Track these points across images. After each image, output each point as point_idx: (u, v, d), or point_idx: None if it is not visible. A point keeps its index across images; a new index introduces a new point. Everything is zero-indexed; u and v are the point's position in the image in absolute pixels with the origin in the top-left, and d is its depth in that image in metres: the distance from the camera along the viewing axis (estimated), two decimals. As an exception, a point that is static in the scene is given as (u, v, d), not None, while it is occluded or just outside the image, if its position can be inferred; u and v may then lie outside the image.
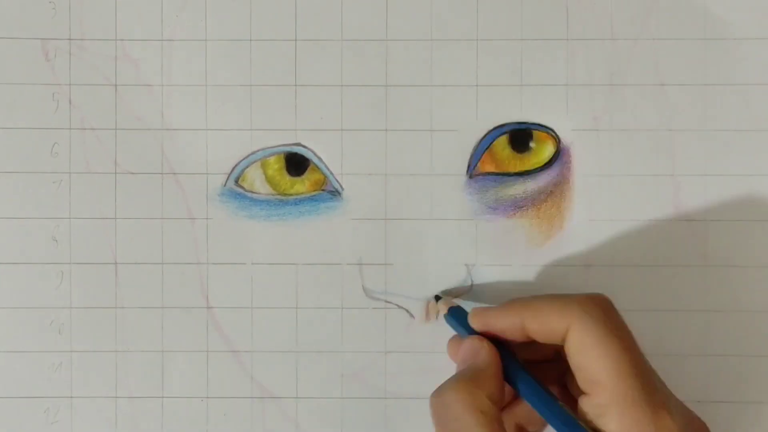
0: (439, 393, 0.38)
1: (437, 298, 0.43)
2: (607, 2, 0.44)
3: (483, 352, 0.39)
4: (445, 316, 0.42)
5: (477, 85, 0.44)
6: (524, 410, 0.40)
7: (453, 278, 0.44)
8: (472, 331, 0.40)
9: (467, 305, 0.42)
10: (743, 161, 0.44)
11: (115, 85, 0.44)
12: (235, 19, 0.44)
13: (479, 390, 0.37)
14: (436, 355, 0.44)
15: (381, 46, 0.44)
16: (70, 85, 0.44)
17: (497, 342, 0.39)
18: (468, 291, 0.44)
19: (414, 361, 0.44)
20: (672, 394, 0.38)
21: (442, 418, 0.37)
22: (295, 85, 0.44)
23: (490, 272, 0.44)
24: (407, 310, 0.44)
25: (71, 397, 0.44)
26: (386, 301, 0.44)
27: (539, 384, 0.38)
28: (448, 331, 0.43)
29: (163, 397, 0.44)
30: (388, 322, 0.44)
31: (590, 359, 0.36)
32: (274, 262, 0.44)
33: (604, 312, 0.37)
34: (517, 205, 0.44)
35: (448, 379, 0.38)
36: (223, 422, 0.44)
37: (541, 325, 0.38)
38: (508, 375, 0.39)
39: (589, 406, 0.36)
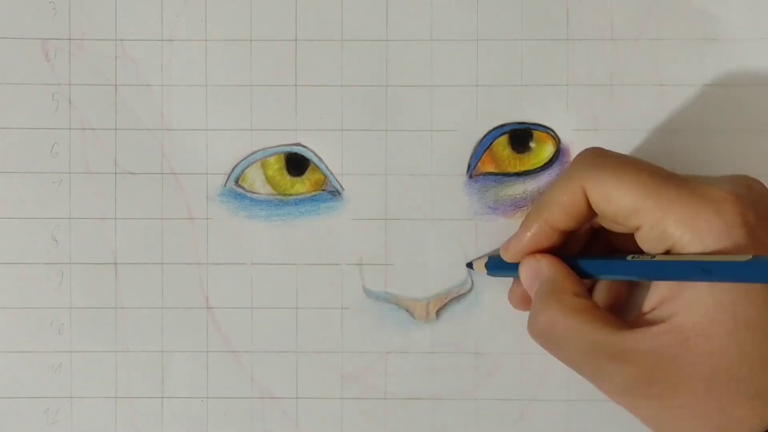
0: (533, 323, 0.38)
1: (469, 265, 0.43)
2: (608, 2, 0.44)
3: (541, 264, 0.39)
4: (488, 274, 0.42)
5: (477, 85, 0.44)
6: (605, 286, 0.41)
7: (453, 278, 0.44)
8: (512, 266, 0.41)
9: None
10: (743, 161, 0.44)
11: (115, 85, 0.44)
12: (235, 19, 0.44)
13: (563, 295, 0.38)
14: (436, 355, 0.44)
15: (381, 46, 0.44)
16: (70, 85, 0.44)
17: None
18: (469, 292, 0.44)
19: (414, 361, 0.44)
20: (698, 176, 0.38)
21: (551, 341, 0.38)
22: (295, 85, 0.44)
23: (490, 272, 0.44)
24: (407, 310, 0.44)
25: (71, 397, 0.44)
26: (386, 301, 0.44)
27: (599, 257, 0.39)
28: (449, 332, 0.43)
29: (163, 398, 0.44)
30: (388, 322, 0.44)
31: (619, 200, 0.36)
32: (274, 262, 0.44)
33: (600, 156, 0.38)
34: (517, 205, 0.44)
35: (531, 309, 0.39)
36: (223, 422, 0.44)
37: (565, 213, 0.38)
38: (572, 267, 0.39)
39: (648, 234, 0.36)
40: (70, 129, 0.44)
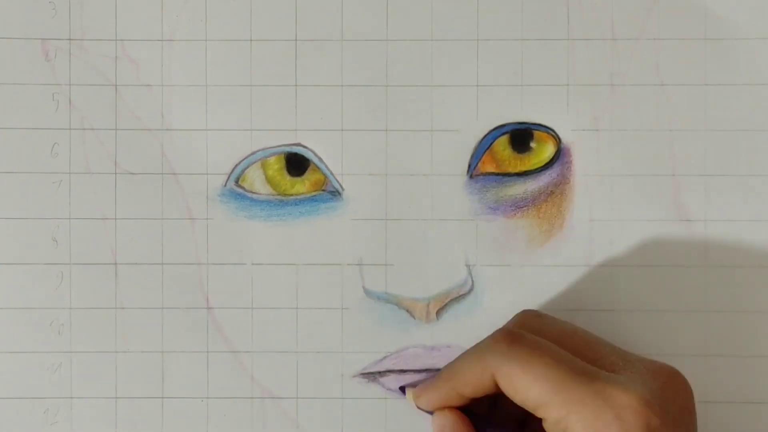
0: None
1: (402, 390, 0.43)
2: (608, 2, 0.44)
3: (448, 425, 0.40)
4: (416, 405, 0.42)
5: (477, 85, 0.44)
6: None
7: (453, 278, 0.44)
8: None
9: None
10: (743, 161, 0.44)
11: (115, 85, 0.44)
12: (235, 19, 0.44)
13: None
14: (436, 356, 0.44)
15: (381, 46, 0.44)
16: (70, 85, 0.44)
17: None
18: (469, 292, 0.44)
19: (414, 361, 0.44)
20: (624, 359, 0.38)
21: None
22: (295, 85, 0.44)
23: (490, 272, 0.44)
24: (407, 311, 0.44)
25: (71, 397, 0.44)
26: (386, 302, 0.44)
27: None
28: (449, 332, 0.44)
29: (163, 398, 0.44)
30: (388, 322, 0.44)
31: (525, 392, 0.37)
32: (274, 262, 0.44)
33: (514, 344, 0.38)
34: (518, 206, 0.44)
35: None
36: (223, 422, 0.44)
37: (473, 387, 0.39)
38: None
39: (550, 427, 0.37)
40: (70, 129, 0.44)
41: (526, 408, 0.37)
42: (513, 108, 0.44)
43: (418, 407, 0.41)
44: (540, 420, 0.37)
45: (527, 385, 0.37)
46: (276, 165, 0.44)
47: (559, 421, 0.36)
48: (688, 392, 0.38)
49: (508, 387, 0.37)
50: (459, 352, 0.41)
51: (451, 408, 0.40)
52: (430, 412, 0.41)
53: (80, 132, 0.44)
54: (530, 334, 0.38)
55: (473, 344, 0.39)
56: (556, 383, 0.36)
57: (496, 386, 0.38)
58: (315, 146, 0.44)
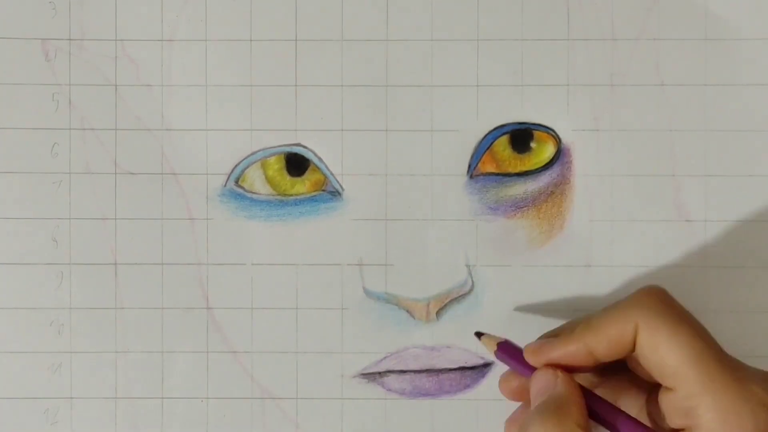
0: (524, 427, 0.36)
1: (478, 335, 0.42)
2: (608, 2, 0.44)
3: (560, 383, 0.37)
4: (495, 353, 0.41)
5: (477, 85, 0.44)
6: None
7: (453, 278, 0.44)
8: (529, 366, 0.39)
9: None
10: (743, 161, 0.44)
11: (115, 85, 0.44)
12: (235, 19, 0.44)
13: (566, 419, 0.36)
14: (435, 356, 0.44)
15: (381, 46, 0.44)
16: (70, 85, 0.44)
17: None
18: (469, 292, 0.44)
19: (414, 361, 0.44)
20: (748, 366, 0.37)
21: None
22: (295, 85, 0.44)
23: (490, 272, 0.44)
24: (407, 311, 0.44)
25: (71, 397, 0.44)
26: (386, 302, 0.44)
27: (619, 411, 0.38)
28: (449, 332, 0.43)
29: (163, 398, 0.44)
30: (389, 322, 0.44)
31: (667, 354, 0.35)
32: (274, 262, 0.44)
33: (664, 303, 0.37)
34: (518, 206, 0.44)
35: (531, 413, 0.37)
36: (223, 423, 0.44)
37: (609, 343, 0.37)
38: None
39: (675, 401, 0.36)
40: (70, 129, 0.44)
41: (655, 374, 0.36)
42: (513, 108, 0.44)
43: (527, 361, 0.39)
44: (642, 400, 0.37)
45: (671, 351, 0.35)
46: (276, 165, 0.44)
47: (690, 398, 0.35)
48: None
49: (649, 347, 0.36)
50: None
51: (559, 368, 0.38)
52: (524, 369, 0.39)
53: (80, 132, 0.44)
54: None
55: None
56: (701, 358, 0.35)
57: (633, 347, 0.36)
58: (315, 146, 0.44)
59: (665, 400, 0.37)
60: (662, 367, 0.36)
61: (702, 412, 0.35)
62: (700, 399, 0.35)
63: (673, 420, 0.36)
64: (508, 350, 0.40)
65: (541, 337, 0.41)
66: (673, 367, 0.35)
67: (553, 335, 0.40)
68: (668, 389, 0.36)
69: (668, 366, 0.36)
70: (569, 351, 0.38)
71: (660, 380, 0.36)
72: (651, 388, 0.39)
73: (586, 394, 0.38)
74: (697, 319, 0.37)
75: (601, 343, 0.37)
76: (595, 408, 0.37)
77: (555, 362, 0.38)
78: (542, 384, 0.38)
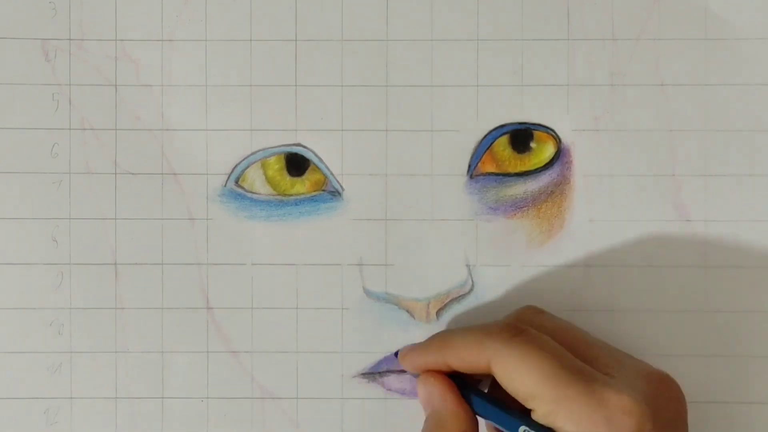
0: None
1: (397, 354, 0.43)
2: (608, 2, 0.44)
3: (433, 393, 0.39)
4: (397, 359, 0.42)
5: (477, 85, 0.44)
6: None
7: (453, 278, 0.44)
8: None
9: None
10: (743, 161, 0.44)
11: (115, 85, 0.44)
12: (235, 19, 0.44)
13: None
14: (436, 356, 0.44)
15: (381, 46, 0.44)
16: (70, 85, 0.44)
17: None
18: (469, 292, 0.44)
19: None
20: (618, 362, 0.38)
21: None
22: (295, 85, 0.44)
23: (490, 272, 0.44)
24: (407, 311, 0.44)
25: (71, 398, 0.44)
26: (386, 302, 0.44)
27: (493, 402, 0.39)
28: (449, 332, 0.44)
29: (163, 398, 0.44)
30: (389, 322, 0.44)
31: (518, 381, 0.37)
32: (274, 262, 0.44)
33: (514, 336, 0.38)
34: (518, 206, 0.44)
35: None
36: (224, 423, 0.44)
37: (463, 363, 0.39)
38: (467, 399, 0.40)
39: (539, 418, 0.37)
40: (70, 129, 0.44)
41: (516, 398, 0.37)
42: (513, 108, 0.44)
43: (403, 368, 0.41)
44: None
45: (522, 377, 0.37)
46: (276, 165, 0.44)
47: (548, 415, 0.36)
48: (681, 399, 0.38)
49: (503, 376, 0.37)
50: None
51: (436, 372, 0.40)
52: (416, 375, 0.41)
53: (80, 132, 0.44)
54: (532, 329, 0.38)
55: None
56: (551, 377, 0.36)
57: (488, 371, 0.38)
58: (315, 146, 0.44)
59: (532, 414, 0.37)
60: (517, 392, 0.37)
61: (561, 425, 0.36)
62: (556, 415, 0.36)
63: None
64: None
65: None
66: (527, 392, 0.37)
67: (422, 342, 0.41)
68: (532, 411, 0.37)
69: (523, 392, 0.37)
70: (429, 360, 0.40)
71: (520, 401, 0.37)
72: None
73: (468, 389, 0.40)
74: (551, 340, 0.38)
75: (458, 362, 0.39)
76: (480, 410, 0.39)
77: (421, 368, 0.40)
78: (422, 396, 0.40)
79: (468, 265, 0.44)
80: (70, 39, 0.44)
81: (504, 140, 0.44)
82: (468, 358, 0.38)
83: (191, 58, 0.44)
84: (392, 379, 0.44)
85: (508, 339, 0.38)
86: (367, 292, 0.44)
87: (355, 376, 0.44)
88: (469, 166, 0.44)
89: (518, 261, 0.44)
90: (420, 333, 0.44)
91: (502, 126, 0.44)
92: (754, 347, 0.44)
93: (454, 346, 0.39)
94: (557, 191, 0.44)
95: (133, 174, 0.44)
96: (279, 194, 0.44)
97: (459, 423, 0.39)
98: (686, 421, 0.38)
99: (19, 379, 0.44)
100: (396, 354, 0.43)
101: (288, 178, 0.44)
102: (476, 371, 0.39)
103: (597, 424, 0.35)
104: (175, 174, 0.44)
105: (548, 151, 0.44)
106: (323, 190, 0.44)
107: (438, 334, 0.41)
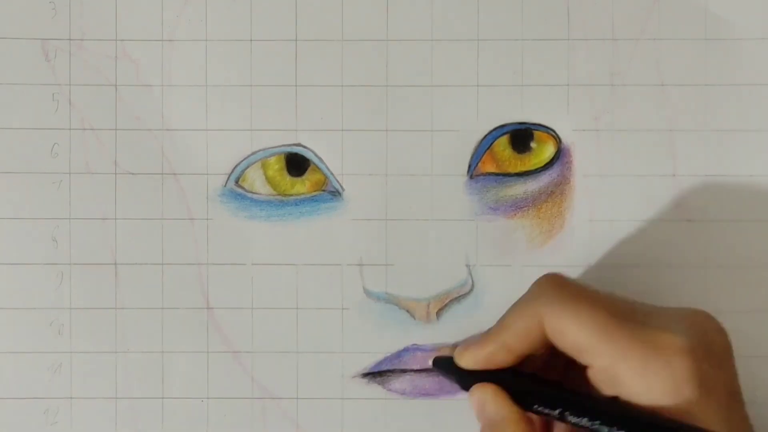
0: None
1: (434, 363, 0.43)
2: (608, 2, 0.44)
3: (487, 401, 0.39)
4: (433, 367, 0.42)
5: (477, 85, 0.44)
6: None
7: (453, 278, 0.44)
8: (464, 375, 0.40)
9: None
10: (743, 161, 0.44)
11: (115, 85, 0.44)
12: (235, 19, 0.44)
13: None
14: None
15: (381, 46, 0.44)
16: (70, 85, 0.44)
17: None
18: (469, 292, 0.44)
19: (414, 361, 0.44)
20: (656, 309, 0.38)
21: None
22: (295, 85, 0.44)
23: (490, 272, 0.44)
24: (408, 311, 0.44)
25: (71, 398, 0.44)
26: (386, 302, 0.44)
27: (554, 393, 0.38)
28: (449, 332, 0.43)
29: (163, 398, 0.44)
30: (389, 322, 0.44)
31: (574, 336, 0.37)
32: (274, 262, 0.44)
33: (560, 287, 0.38)
34: (518, 206, 0.44)
35: None
36: (224, 423, 0.44)
37: (522, 338, 0.38)
38: (522, 400, 0.39)
39: (597, 374, 0.37)
40: (70, 129, 0.44)
41: (572, 354, 0.37)
42: (513, 108, 0.44)
43: (459, 369, 0.40)
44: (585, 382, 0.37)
45: (575, 330, 0.36)
46: (276, 165, 0.44)
47: (607, 369, 0.36)
48: (724, 333, 0.38)
49: (556, 331, 0.37)
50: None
51: (490, 384, 0.39)
52: (467, 387, 0.40)
53: (80, 132, 0.44)
54: (576, 281, 0.38)
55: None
56: (603, 329, 0.36)
57: (545, 339, 0.38)
58: (315, 146, 0.44)
59: (590, 375, 0.37)
60: (574, 348, 0.37)
61: (623, 379, 0.36)
62: (616, 368, 0.36)
63: (604, 390, 0.37)
64: (441, 365, 0.42)
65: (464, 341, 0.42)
66: (583, 346, 0.36)
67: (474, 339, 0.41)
68: (589, 367, 0.37)
69: (579, 346, 0.37)
70: (491, 351, 0.39)
71: (578, 360, 0.37)
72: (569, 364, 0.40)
73: (528, 397, 0.39)
74: (598, 291, 0.38)
75: (515, 339, 0.38)
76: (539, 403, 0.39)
77: (485, 365, 0.39)
78: (476, 405, 0.39)
79: (468, 265, 0.44)
80: (70, 39, 0.44)
81: (504, 140, 0.44)
82: (523, 328, 0.38)
83: (191, 58, 0.44)
84: (392, 379, 0.44)
85: (554, 293, 0.37)
86: (368, 292, 0.44)
87: (355, 377, 0.44)
88: (469, 166, 0.44)
89: (518, 261, 0.44)
90: (420, 333, 0.44)
91: (502, 126, 0.44)
92: (754, 347, 0.44)
93: (506, 323, 0.39)
94: (557, 191, 0.44)
95: (133, 174, 0.44)
96: (279, 194, 0.44)
97: (515, 427, 0.38)
98: (732, 353, 0.38)
99: (19, 379, 0.44)
100: (434, 362, 0.43)
101: (288, 178, 0.44)
102: (536, 343, 0.38)
103: (658, 371, 0.35)
104: (175, 174, 0.44)
105: (548, 151, 0.44)
106: (323, 190, 0.44)
107: (493, 326, 0.40)
